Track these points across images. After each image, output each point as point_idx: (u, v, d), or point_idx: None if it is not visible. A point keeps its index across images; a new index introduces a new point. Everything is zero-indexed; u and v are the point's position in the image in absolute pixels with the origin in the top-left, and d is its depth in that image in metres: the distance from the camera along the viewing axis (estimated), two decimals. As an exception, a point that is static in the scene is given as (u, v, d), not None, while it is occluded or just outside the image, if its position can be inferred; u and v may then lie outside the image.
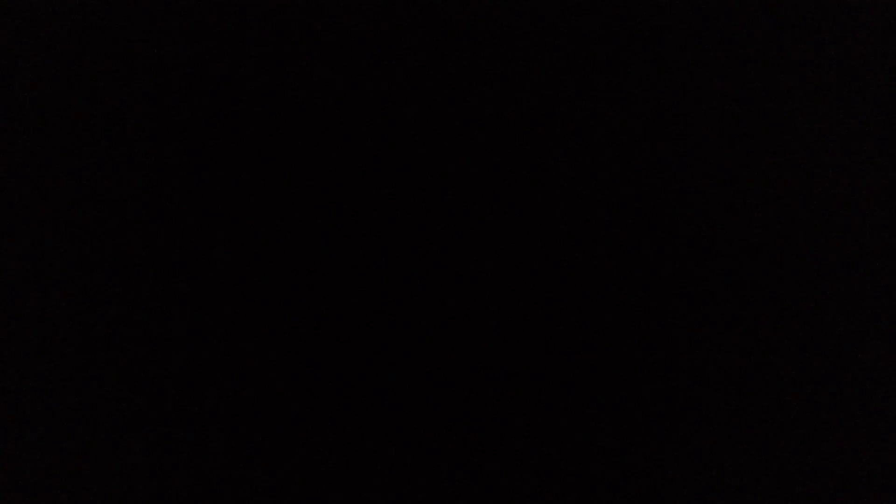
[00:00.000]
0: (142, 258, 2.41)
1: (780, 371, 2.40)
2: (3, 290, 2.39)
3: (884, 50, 2.45)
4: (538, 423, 2.40)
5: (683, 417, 2.39)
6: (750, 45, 2.45)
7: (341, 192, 2.43)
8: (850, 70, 2.46)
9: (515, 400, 2.40)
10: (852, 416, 2.40)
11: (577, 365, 2.41)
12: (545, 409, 2.40)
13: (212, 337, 2.40)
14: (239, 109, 2.44)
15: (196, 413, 2.39)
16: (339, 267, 2.42)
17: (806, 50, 2.46)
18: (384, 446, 2.39)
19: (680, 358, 2.41)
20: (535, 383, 2.40)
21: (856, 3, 2.46)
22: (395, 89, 2.44)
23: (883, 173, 2.43)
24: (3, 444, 2.37)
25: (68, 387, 2.39)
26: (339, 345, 2.41)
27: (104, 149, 2.43)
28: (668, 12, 2.45)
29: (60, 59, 2.44)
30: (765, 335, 2.41)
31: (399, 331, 2.41)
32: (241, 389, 2.40)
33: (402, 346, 2.41)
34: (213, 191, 2.43)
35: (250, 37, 2.44)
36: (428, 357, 2.41)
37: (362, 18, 2.45)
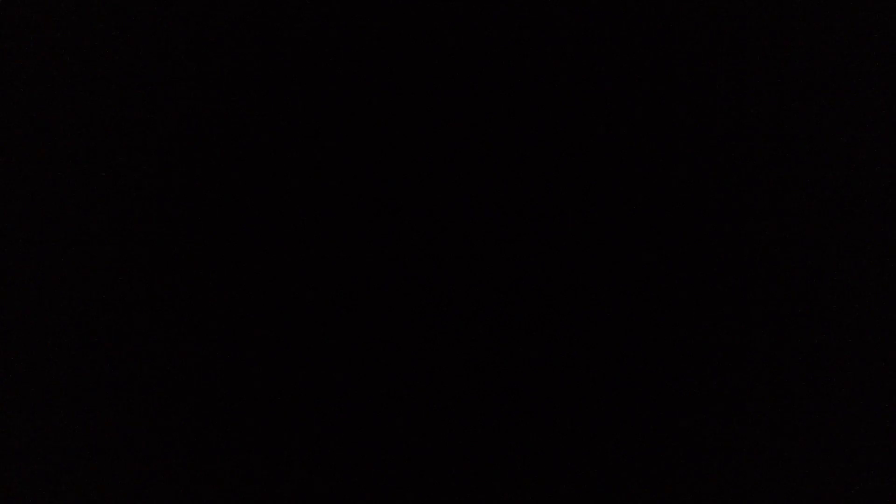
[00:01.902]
0: (142, 258, 2.42)
1: (780, 371, 2.41)
2: (3, 290, 2.40)
3: (884, 50, 2.46)
4: (537, 424, 2.40)
5: (683, 417, 2.40)
6: (750, 45, 2.46)
7: (341, 192, 2.44)
8: (849, 70, 2.46)
9: (514, 400, 2.40)
10: (852, 415, 2.40)
11: (577, 365, 2.41)
12: (544, 410, 2.40)
13: (211, 337, 2.41)
14: (238, 109, 2.44)
15: (195, 413, 2.39)
16: (339, 267, 2.43)
17: (806, 50, 2.46)
18: (383, 446, 2.40)
19: (680, 358, 2.41)
20: (534, 384, 2.41)
21: (856, 3, 2.46)
22: (395, 89, 2.45)
23: (883, 173, 2.44)
24: (3, 443, 2.38)
25: (68, 387, 2.39)
26: (339, 345, 2.42)
27: (104, 149, 2.44)
28: (669, 12, 2.45)
29: (60, 58, 2.44)
30: (764, 335, 2.41)
31: (398, 331, 2.42)
32: (241, 390, 2.40)
33: (401, 346, 2.41)
34: (212, 190, 2.43)
35: (250, 36, 2.45)
36: (427, 357, 2.41)
37: (362, 18, 2.46)
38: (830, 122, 2.45)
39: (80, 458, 2.38)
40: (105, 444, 2.39)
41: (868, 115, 2.44)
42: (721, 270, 2.42)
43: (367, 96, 2.45)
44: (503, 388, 2.41)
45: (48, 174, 2.42)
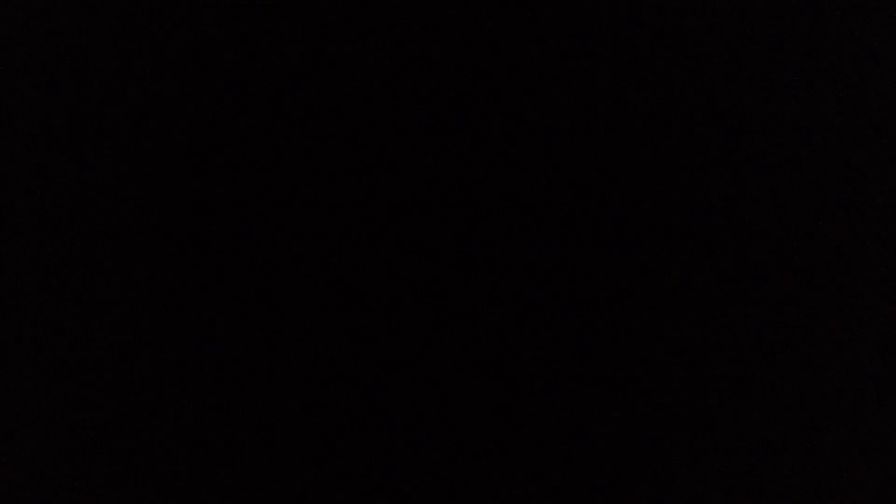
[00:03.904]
0: (141, 258, 2.42)
1: (780, 371, 2.41)
2: (4, 291, 2.40)
3: (884, 50, 2.46)
4: (537, 424, 2.40)
5: (683, 417, 2.40)
6: (750, 44, 2.46)
7: (341, 192, 2.44)
8: (850, 70, 2.46)
9: (514, 400, 2.40)
10: (852, 416, 2.40)
11: (577, 365, 2.41)
12: (544, 410, 2.40)
13: (211, 337, 2.41)
14: (237, 109, 2.44)
15: (195, 413, 2.39)
16: (339, 268, 2.43)
17: (806, 50, 2.46)
18: (383, 446, 2.40)
19: (679, 358, 2.41)
20: (534, 384, 2.41)
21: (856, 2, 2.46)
22: (395, 89, 2.45)
23: (883, 173, 2.44)
24: (3, 443, 2.38)
25: (67, 387, 2.39)
26: (339, 346, 2.42)
27: (103, 148, 2.44)
28: (669, 12, 2.45)
29: (60, 58, 2.45)
30: (764, 336, 2.41)
31: (398, 331, 2.42)
32: (241, 390, 2.40)
33: (401, 346, 2.41)
34: (212, 190, 2.43)
35: (250, 36, 2.45)
36: (426, 357, 2.41)
37: (362, 18, 2.46)
38: (830, 122, 2.45)
39: (80, 457, 2.39)
40: (104, 444, 2.39)
41: (868, 116, 2.45)
42: (720, 270, 2.42)
43: (365, 96, 2.45)
44: (503, 388, 2.41)
45: (47, 174, 2.43)
